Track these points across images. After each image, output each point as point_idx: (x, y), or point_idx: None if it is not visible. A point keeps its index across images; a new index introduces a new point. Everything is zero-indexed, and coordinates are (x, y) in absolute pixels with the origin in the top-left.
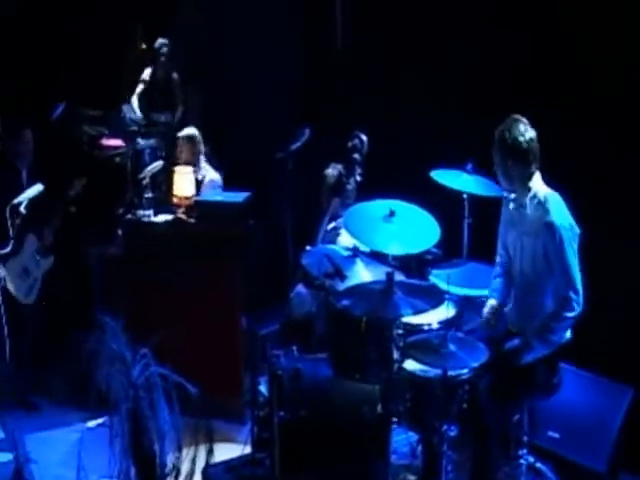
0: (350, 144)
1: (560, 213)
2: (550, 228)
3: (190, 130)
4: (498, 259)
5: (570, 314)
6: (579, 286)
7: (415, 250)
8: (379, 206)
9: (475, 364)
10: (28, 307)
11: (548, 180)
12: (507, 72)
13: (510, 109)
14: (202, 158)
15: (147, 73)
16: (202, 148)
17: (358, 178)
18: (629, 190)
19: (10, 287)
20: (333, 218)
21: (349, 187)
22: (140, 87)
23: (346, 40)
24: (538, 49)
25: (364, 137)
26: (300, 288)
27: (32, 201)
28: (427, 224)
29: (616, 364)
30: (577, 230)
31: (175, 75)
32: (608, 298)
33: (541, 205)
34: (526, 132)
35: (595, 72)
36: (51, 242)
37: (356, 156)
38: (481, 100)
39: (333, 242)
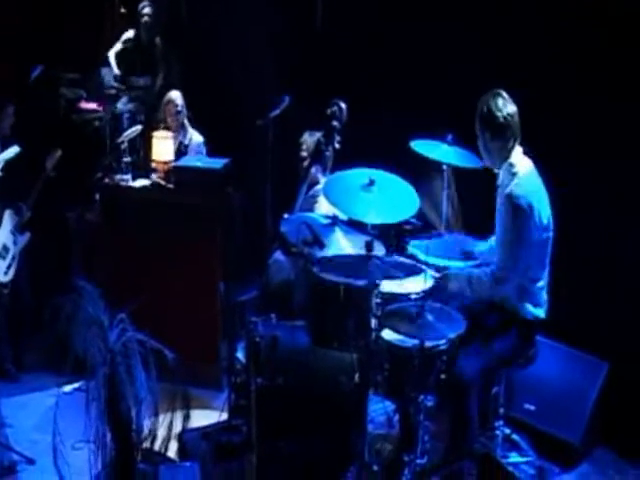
0: (329, 111)
1: (524, 189)
2: (507, 199)
3: (175, 93)
4: None
5: (487, 281)
6: (503, 265)
7: (394, 220)
8: (359, 175)
9: (452, 335)
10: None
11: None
12: (490, 43)
13: (493, 81)
14: (187, 121)
15: (129, 34)
16: (185, 111)
17: (337, 145)
18: (606, 168)
19: None
20: (311, 185)
21: (327, 154)
22: (118, 46)
23: (328, 9)
24: (523, 22)
25: (343, 105)
26: (278, 255)
27: (9, 163)
28: (406, 194)
29: (592, 338)
30: (539, 219)
31: (158, 40)
32: (584, 273)
33: (513, 176)
34: (505, 107)
35: (582, 46)
36: (29, 218)
37: (335, 123)
38: (462, 71)
39: (310, 209)
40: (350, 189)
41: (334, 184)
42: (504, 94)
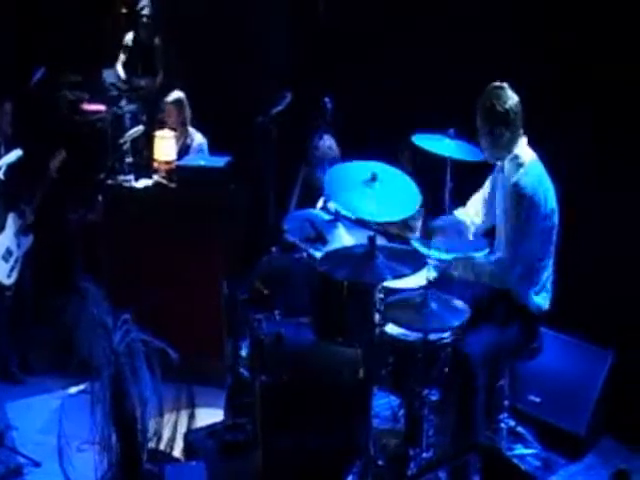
0: (317, 109)
1: (530, 179)
2: (513, 188)
3: (177, 94)
4: (477, 220)
5: (490, 268)
6: (506, 253)
7: (397, 217)
8: (360, 169)
9: (457, 323)
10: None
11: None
12: (491, 36)
13: (494, 74)
14: (189, 122)
15: (128, 38)
16: (189, 112)
17: (327, 142)
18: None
19: None
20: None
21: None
22: (122, 53)
23: (329, 5)
24: (521, 11)
25: (328, 104)
26: (275, 252)
27: (11, 167)
28: (408, 189)
29: (597, 329)
30: (544, 208)
31: (157, 40)
32: (588, 263)
33: (519, 166)
34: (511, 98)
35: (582, 34)
36: (32, 221)
37: (321, 120)
38: (465, 64)
39: None
40: (352, 185)
41: (335, 179)
42: (505, 85)
